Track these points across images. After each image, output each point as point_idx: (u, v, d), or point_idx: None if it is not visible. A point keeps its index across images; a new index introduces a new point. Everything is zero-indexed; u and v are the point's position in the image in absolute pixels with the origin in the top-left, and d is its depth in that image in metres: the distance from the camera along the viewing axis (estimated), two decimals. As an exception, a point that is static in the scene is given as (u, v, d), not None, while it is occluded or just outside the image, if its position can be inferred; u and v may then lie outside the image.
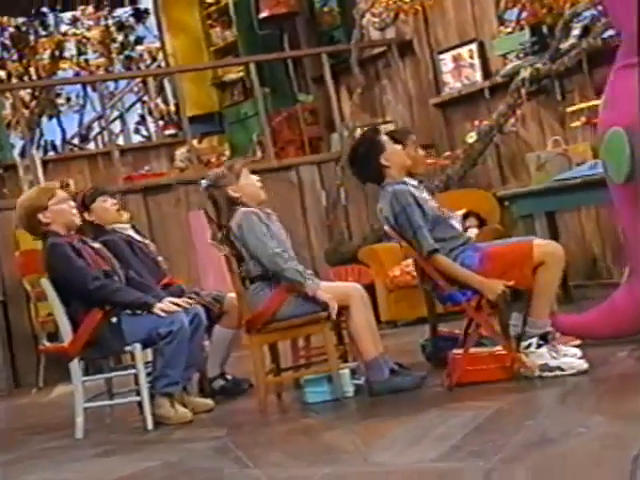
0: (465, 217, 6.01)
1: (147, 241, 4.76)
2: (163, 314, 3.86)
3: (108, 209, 4.51)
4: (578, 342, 3.90)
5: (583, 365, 3.47)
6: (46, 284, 3.92)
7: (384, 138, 3.98)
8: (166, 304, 3.91)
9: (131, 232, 4.62)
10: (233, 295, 4.13)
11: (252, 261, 3.84)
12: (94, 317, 3.86)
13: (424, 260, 3.74)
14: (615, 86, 3.74)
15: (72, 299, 3.91)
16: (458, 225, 3.92)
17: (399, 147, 4.00)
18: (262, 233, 3.83)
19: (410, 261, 5.55)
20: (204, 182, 4.03)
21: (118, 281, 3.99)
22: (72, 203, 4.08)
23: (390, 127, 7.33)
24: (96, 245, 4.12)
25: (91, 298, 3.87)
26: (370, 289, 5.78)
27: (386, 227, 3.91)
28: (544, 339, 3.59)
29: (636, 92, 3.50)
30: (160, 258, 4.67)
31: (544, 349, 3.54)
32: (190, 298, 4.30)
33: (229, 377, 4.47)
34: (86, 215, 4.42)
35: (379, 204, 3.93)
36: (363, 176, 4.03)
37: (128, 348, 3.92)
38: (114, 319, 3.89)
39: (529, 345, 3.59)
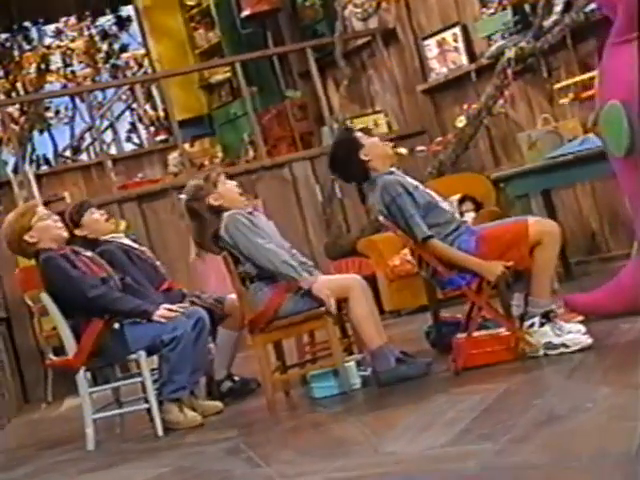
0: (461, 202, 6.05)
1: (143, 248, 4.76)
2: (163, 320, 3.87)
3: (98, 220, 4.52)
4: (581, 318, 3.90)
5: (587, 340, 3.48)
6: (46, 299, 3.93)
7: (358, 134, 3.98)
8: (166, 311, 3.91)
9: (126, 240, 4.63)
10: (234, 297, 4.13)
11: (248, 262, 3.84)
12: (95, 326, 3.87)
13: (420, 247, 3.74)
14: (611, 61, 3.74)
15: (72, 311, 3.91)
16: (450, 208, 3.92)
17: (375, 139, 4.00)
18: (249, 230, 3.81)
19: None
20: (183, 196, 4.04)
21: (116, 289, 3.99)
22: (55, 217, 4.08)
23: (381, 117, 7.35)
24: (89, 254, 4.12)
25: (91, 307, 3.87)
26: (371, 280, 5.79)
27: (381, 218, 3.91)
28: (546, 317, 3.59)
29: (632, 66, 3.49)
30: (158, 263, 4.68)
31: (547, 327, 3.55)
32: (192, 302, 4.32)
33: (236, 378, 4.48)
34: (78, 231, 4.43)
35: (370, 200, 3.94)
36: (348, 176, 4.05)
37: (133, 356, 3.92)
38: (116, 325, 3.89)
39: (532, 324, 3.59)
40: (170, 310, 3.94)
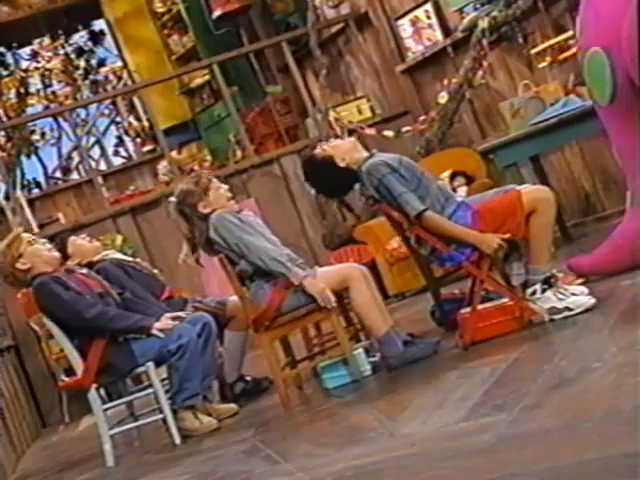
0: (452, 177, 6.05)
1: (137, 259, 4.77)
2: (161, 335, 3.87)
3: (82, 245, 4.56)
4: (581, 280, 3.90)
5: (590, 301, 3.48)
6: (49, 322, 3.94)
7: (319, 151, 4.01)
8: (163, 322, 3.91)
9: (118, 255, 4.64)
10: (236, 298, 4.13)
11: (242, 260, 3.83)
12: (99, 344, 3.87)
13: (417, 224, 3.73)
14: (590, 9, 3.73)
15: (74, 332, 3.92)
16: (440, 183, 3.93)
17: (334, 142, 4.03)
18: (238, 228, 3.80)
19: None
20: (172, 200, 4.01)
21: (114, 306, 3.99)
22: (43, 240, 4.09)
23: (363, 102, 7.34)
24: (84, 270, 4.12)
25: (89, 327, 3.88)
26: (372, 266, 5.80)
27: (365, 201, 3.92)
28: (548, 283, 3.59)
29: (614, 12, 3.47)
30: (155, 271, 4.68)
31: (549, 292, 3.55)
32: (195, 307, 4.32)
33: (248, 379, 4.48)
34: (70, 262, 4.45)
35: (356, 186, 3.95)
36: (349, 188, 4.03)
37: (142, 369, 3.93)
38: (121, 339, 3.90)
39: (534, 292, 3.60)
40: (173, 318, 3.94)
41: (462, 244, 3.65)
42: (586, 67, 3.77)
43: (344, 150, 3.94)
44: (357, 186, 3.96)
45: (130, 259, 4.67)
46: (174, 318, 3.96)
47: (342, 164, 3.92)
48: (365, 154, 3.95)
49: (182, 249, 4.12)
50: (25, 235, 4.06)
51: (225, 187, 4.04)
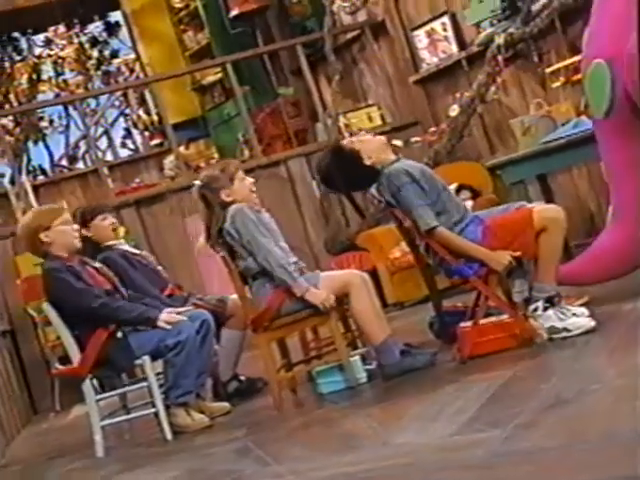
0: (458, 191, 6.05)
1: (144, 252, 4.76)
2: (168, 326, 3.87)
3: (105, 227, 4.52)
4: (584, 301, 3.90)
5: (590, 323, 3.48)
6: (48, 309, 3.93)
7: (347, 142, 3.97)
8: (170, 315, 3.91)
9: (126, 246, 4.63)
10: (236, 296, 4.13)
11: (250, 257, 3.83)
12: (99, 337, 3.87)
13: (427, 236, 3.73)
14: (598, 22, 3.74)
15: (76, 321, 3.91)
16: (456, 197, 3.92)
17: (365, 137, 3.99)
18: (255, 226, 3.78)
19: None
20: (197, 183, 4.00)
21: (119, 298, 3.99)
22: (76, 227, 4.08)
23: (374, 110, 7.35)
24: (97, 265, 4.12)
25: (95, 317, 3.87)
26: (373, 273, 5.80)
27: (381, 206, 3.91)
28: (550, 302, 3.59)
29: (621, 26, 3.49)
30: (160, 267, 4.68)
31: (551, 311, 3.55)
32: (195, 304, 4.32)
33: (242, 378, 4.48)
34: (84, 230, 4.43)
35: (371, 189, 3.93)
36: (367, 185, 3.98)
37: (138, 362, 3.93)
38: (119, 334, 3.89)
39: (536, 309, 3.59)
40: (177, 313, 3.94)
41: (472, 259, 3.64)
42: (588, 78, 3.79)
43: (372, 148, 3.91)
44: (372, 189, 3.95)
45: (137, 252, 4.66)
46: (179, 313, 3.96)
47: (367, 162, 3.89)
48: (392, 157, 3.92)
49: (200, 236, 4.08)
50: (66, 215, 4.04)
51: (251, 180, 4.02)
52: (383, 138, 4.02)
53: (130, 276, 4.30)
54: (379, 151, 3.92)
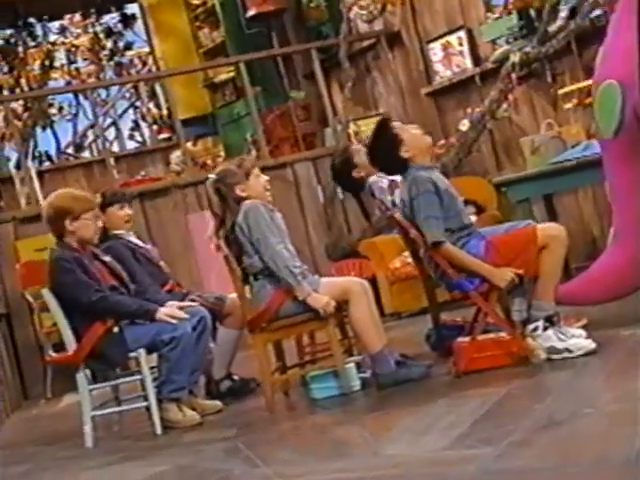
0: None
1: (149, 246, 4.74)
2: (169, 319, 3.86)
3: (120, 217, 4.49)
4: (582, 323, 3.90)
5: (591, 345, 3.47)
6: (48, 295, 3.93)
7: (397, 126, 3.88)
8: (171, 309, 3.90)
9: (133, 238, 4.61)
10: (234, 296, 4.13)
11: (256, 255, 3.81)
12: (96, 331, 3.87)
13: (431, 249, 3.71)
14: (612, 42, 3.75)
15: (75, 312, 3.91)
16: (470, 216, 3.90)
17: (415, 131, 3.93)
18: (267, 225, 3.78)
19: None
20: (212, 176, 3.96)
21: (119, 292, 3.98)
22: (100, 223, 4.08)
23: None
24: (107, 259, 4.10)
25: (94, 310, 3.87)
26: (372, 282, 5.78)
27: (397, 215, 3.88)
28: (550, 322, 3.58)
29: (634, 48, 3.49)
30: (162, 263, 4.67)
31: (550, 331, 3.54)
32: (193, 301, 4.31)
33: (236, 378, 4.47)
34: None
35: (398, 193, 3.89)
36: (389, 171, 3.96)
37: (133, 354, 3.92)
38: (116, 329, 3.89)
39: (535, 328, 3.58)
40: (180, 308, 3.94)
41: (473, 274, 3.64)
42: (598, 97, 3.79)
43: (416, 144, 3.83)
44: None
45: (142, 245, 4.65)
46: (181, 308, 3.95)
47: (404, 154, 3.83)
48: (427, 162, 3.86)
49: (209, 227, 4.06)
50: (96, 210, 4.03)
51: (266, 178, 4.00)
52: (429, 140, 3.95)
53: (131, 269, 4.29)
54: (420, 150, 3.83)
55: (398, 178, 4.39)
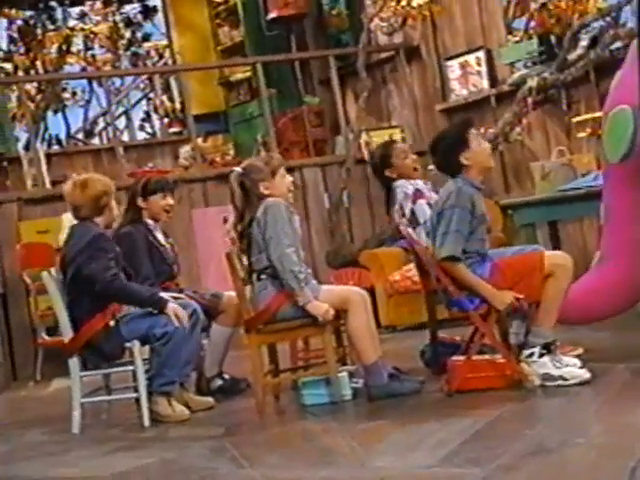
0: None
1: (171, 241, 4.61)
2: (173, 317, 3.85)
3: (161, 207, 4.45)
4: (577, 352, 3.89)
5: (585, 375, 3.47)
6: (47, 278, 3.92)
7: (472, 133, 3.79)
8: (179, 309, 3.89)
9: (158, 233, 4.52)
10: (232, 293, 4.12)
11: (264, 253, 3.80)
12: (95, 324, 3.87)
13: (437, 262, 3.70)
14: (628, 68, 3.77)
15: (81, 298, 3.90)
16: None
17: (486, 145, 3.86)
18: (282, 226, 3.76)
19: (411, 266, 5.58)
20: (237, 170, 3.95)
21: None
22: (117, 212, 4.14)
23: (396, 132, 7.35)
24: (117, 249, 4.10)
25: (106, 291, 3.86)
26: (370, 293, 5.78)
27: (402, 227, 3.87)
28: (547, 349, 3.58)
29: None
30: (175, 266, 4.54)
31: (546, 358, 3.54)
32: (188, 296, 4.30)
33: (227, 377, 4.46)
34: (139, 200, 4.42)
35: (439, 193, 3.84)
36: (440, 167, 3.84)
37: (127, 345, 3.92)
38: (112, 322, 3.89)
39: (531, 354, 3.58)
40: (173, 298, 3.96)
41: (474, 293, 3.63)
42: (609, 121, 3.81)
43: (478, 158, 3.74)
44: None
45: (163, 242, 4.51)
46: (176, 299, 3.97)
47: (464, 160, 3.74)
48: (477, 181, 3.78)
49: (230, 218, 4.04)
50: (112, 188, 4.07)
51: (291, 179, 3.99)
52: (492, 163, 3.88)
53: (138, 262, 4.26)
54: (479, 166, 3.76)
55: (425, 188, 4.41)
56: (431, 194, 4.36)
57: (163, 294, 4.03)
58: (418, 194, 4.39)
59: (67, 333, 3.91)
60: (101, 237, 3.94)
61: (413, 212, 4.38)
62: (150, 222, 4.47)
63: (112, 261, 3.90)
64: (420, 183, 4.45)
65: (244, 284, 3.90)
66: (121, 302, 3.93)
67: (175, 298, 4.05)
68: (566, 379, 3.46)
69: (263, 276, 3.83)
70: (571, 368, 3.49)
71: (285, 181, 3.93)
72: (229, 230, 3.92)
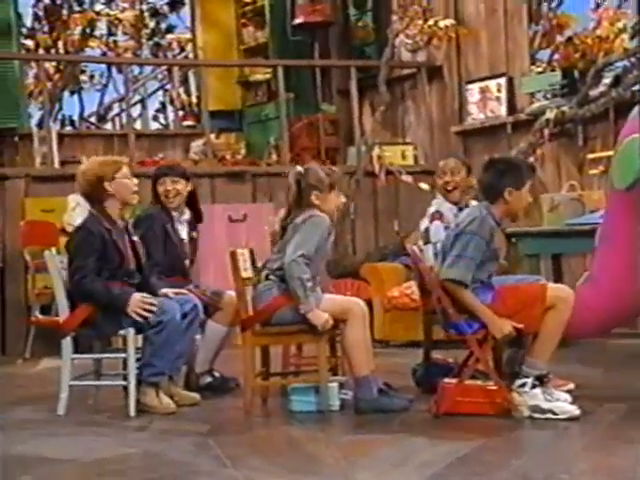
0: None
1: (186, 239, 4.56)
2: (136, 316, 3.83)
3: (162, 193, 4.47)
4: (569, 387, 3.87)
5: (575, 411, 3.46)
6: (50, 257, 3.92)
7: (530, 181, 3.78)
8: (141, 300, 3.84)
9: (180, 225, 4.50)
10: (232, 293, 4.11)
11: (280, 254, 3.80)
12: (90, 306, 3.86)
13: (440, 282, 3.68)
14: None
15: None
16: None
17: (530, 200, 3.84)
18: (318, 239, 3.75)
19: (411, 283, 5.58)
20: (299, 169, 3.91)
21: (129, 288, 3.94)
22: (135, 181, 4.10)
23: (409, 149, 7.36)
24: (135, 238, 4.10)
25: (73, 290, 3.88)
26: (367, 306, 5.77)
27: (408, 246, 3.88)
28: (539, 380, 3.57)
29: None
30: (187, 262, 4.53)
31: (538, 390, 3.53)
32: (189, 290, 4.30)
33: (217, 374, 4.45)
34: (156, 186, 4.48)
35: (462, 214, 3.84)
36: (483, 184, 3.81)
37: (121, 332, 3.91)
38: None
39: (524, 384, 3.57)
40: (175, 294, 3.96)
41: (474, 317, 3.62)
42: (621, 149, 3.83)
43: (520, 200, 3.74)
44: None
45: (184, 237, 4.52)
46: (176, 294, 3.96)
47: (507, 195, 3.70)
48: (502, 216, 3.77)
49: (277, 214, 4.03)
50: (125, 169, 4.05)
51: (344, 200, 4.02)
52: (523, 208, 3.86)
53: (152, 246, 4.25)
54: (513, 209, 3.76)
55: (449, 211, 4.40)
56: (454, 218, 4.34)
57: (165, 289, 4.03)
58: (437, 215, 4.40)
59: (64, 312, 3.90)
60: (86, 233, 3.92)
61: (427, 230, 4.39)
62: (175, 213, 4.47)
63: (89, 259, 3.86)
64: (446, 205, 4.45)
65: (246, 285, 3.90)
66: (85, 302, 3.88)
67: (176, 294, 4.04)
68: (556, 413, 3.45)
69: (272, 277, 3.82)
70: (562, 403, 3.48)
71: (337, 200, 3.92)
72: (275, 222, 3.90)
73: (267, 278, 3.84)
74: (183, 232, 4.55)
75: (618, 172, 3.86)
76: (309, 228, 3.76)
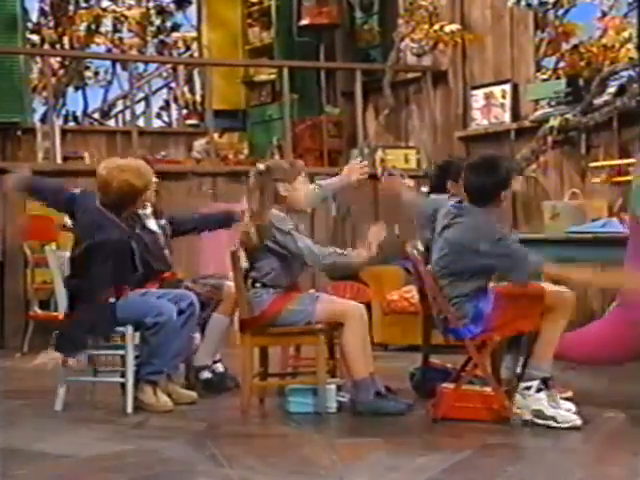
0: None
1: (162, 223, 4.59)
2: None
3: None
4: (568, 395, 3.86)
5: (577, 421, 3.44)
6: (51, 253, 3.92)
7: (515, 178, 3.87)
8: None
9: (150, 222, 4.45)
10: (230, 283, 4.10)
11: (266, 260, 3.80)
12: (91, 304, 3.86)
13: (440, 291, 3.67)
14: None
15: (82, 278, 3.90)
16: None
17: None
18: (292, 228, 3.81)
19: (411, 287, 5.58)
20: (259, 167, 3.93)
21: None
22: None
23: (412, 153, 7.35)
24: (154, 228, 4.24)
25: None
26: (366, 309, 5.77)
27: (408, 249, 3.88)
28: (545, 384, 3.54)
29: None
30: (166, 251, 4.51)
31: (543, 394, 3.49)
32: (187, 287, 4.29)
33: (221, 369, 4.40)
34: None
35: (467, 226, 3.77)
36: (468, 190, 3.74)
37: (120, 329, 3.91)
38: (112, 299, 3.87)
39: (529, 387, 3.54)
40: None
41: (474, 321, 3.61)
42: None
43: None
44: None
45: (155, 229, 4.47)
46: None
47: (503, 197, 3.77)
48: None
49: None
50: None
51: (312, 186, 4.07)
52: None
53: (158, 245, 4.27)
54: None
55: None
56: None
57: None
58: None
59: (63, 307, 3.89)
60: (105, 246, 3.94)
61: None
62: (140, 211, 4.36)
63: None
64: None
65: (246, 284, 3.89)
66: None
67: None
68: (557, 421, 3.43)
69: (257, 284, 3.82)
70: (565, 412, 3.46)
71: (304, 188, 3.93)
72: (247, 224, 3.87)
73: (253, 286, 3.83)
74: (152, 224, 4.50)
75: (638, 197, 3.87)
76: (283, 230, 3.78)
